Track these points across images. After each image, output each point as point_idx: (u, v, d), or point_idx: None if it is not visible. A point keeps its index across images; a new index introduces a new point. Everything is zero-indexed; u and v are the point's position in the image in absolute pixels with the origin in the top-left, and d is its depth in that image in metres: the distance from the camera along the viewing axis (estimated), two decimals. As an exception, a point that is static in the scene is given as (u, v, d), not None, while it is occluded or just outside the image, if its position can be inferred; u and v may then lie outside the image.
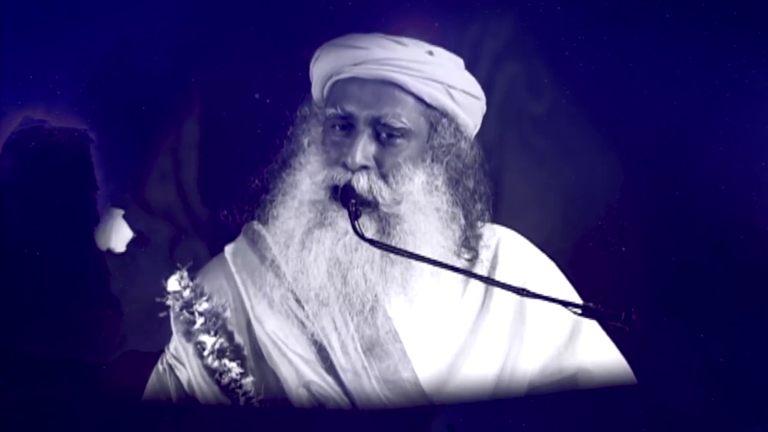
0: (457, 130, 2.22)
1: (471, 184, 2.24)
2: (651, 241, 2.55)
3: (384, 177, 2.13)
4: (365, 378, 2.16)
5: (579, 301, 2.14)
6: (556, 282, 2.31)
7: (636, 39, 2.52)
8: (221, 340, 2.20)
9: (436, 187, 2.18)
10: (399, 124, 2.13)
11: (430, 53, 2.19)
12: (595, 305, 1.96)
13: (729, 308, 2.49)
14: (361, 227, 2.07)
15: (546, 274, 2.32)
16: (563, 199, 2.60)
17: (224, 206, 2.33)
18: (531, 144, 2.62)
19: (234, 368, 2.19)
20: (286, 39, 2.35)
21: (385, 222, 2.14)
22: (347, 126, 2.15)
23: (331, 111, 2.16)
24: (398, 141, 2.14)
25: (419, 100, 2.16)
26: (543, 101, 2.60)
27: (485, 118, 2.29)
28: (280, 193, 2.22)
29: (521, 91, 2.61)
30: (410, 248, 2.11)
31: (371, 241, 2.05)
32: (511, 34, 2.59)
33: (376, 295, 2.15)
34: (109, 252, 2.54)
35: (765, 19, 2.49)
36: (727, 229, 2.52)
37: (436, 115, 2.18)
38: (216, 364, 2.19)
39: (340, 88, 2.17)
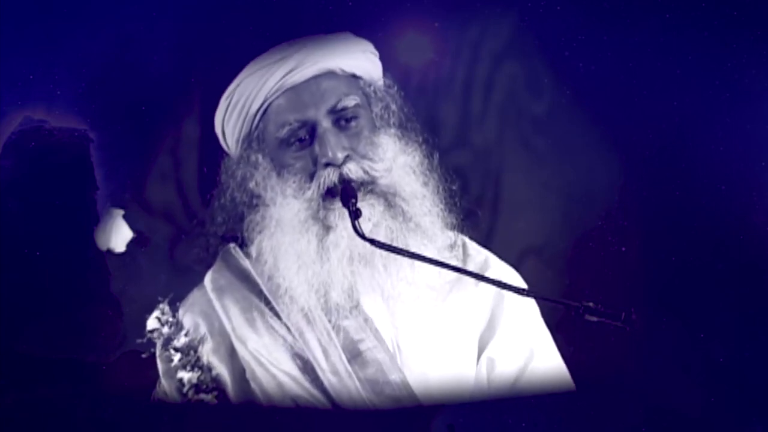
0: (377, 89, 2.24)
1: (414, 134, 2.26)
2: (651, 241, 2.55)
3: (365, 156, 2.13)
4: (351, 384, 2.12)
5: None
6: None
7: (636, 39, 2.52)
8: (198, 373, 2.16)
9: (403, 147, 2.20)
10: (353, 102, 2.14)
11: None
12: (595, 305, 1.96)
13: (729, 308, 2.49)
14: (368, 208, 2.08)
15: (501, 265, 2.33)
16: (563, 199, 2.60)
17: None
18: (531, 144, 2.62)
19: (211, 401, 2.16)
20: (286, 39, 2.35)
21: (383, 199, 2.13)
22: (305, 135, 2.13)
23: (284, 130, 2.13)
24: (357, 120, 2.15)
25: (352, 76, 2.19)
26: (543, 101, 2.60)
27: (485, 117, 2.29)
28: (260, 233, 2.19)
29: (521, 91, 2.61)
30: (413, 214, 2.13)
31: (372, 241, 2.04)
32: (511, 34, 2.59)
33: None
34: (109, 252, 2.54)
35: (765, 19, 2.49)
36: (727, 229, 2.52)
37: (362, 84, 2.21)
38: (196, 397, 2.15)
39: (278, 106, 2.15)
